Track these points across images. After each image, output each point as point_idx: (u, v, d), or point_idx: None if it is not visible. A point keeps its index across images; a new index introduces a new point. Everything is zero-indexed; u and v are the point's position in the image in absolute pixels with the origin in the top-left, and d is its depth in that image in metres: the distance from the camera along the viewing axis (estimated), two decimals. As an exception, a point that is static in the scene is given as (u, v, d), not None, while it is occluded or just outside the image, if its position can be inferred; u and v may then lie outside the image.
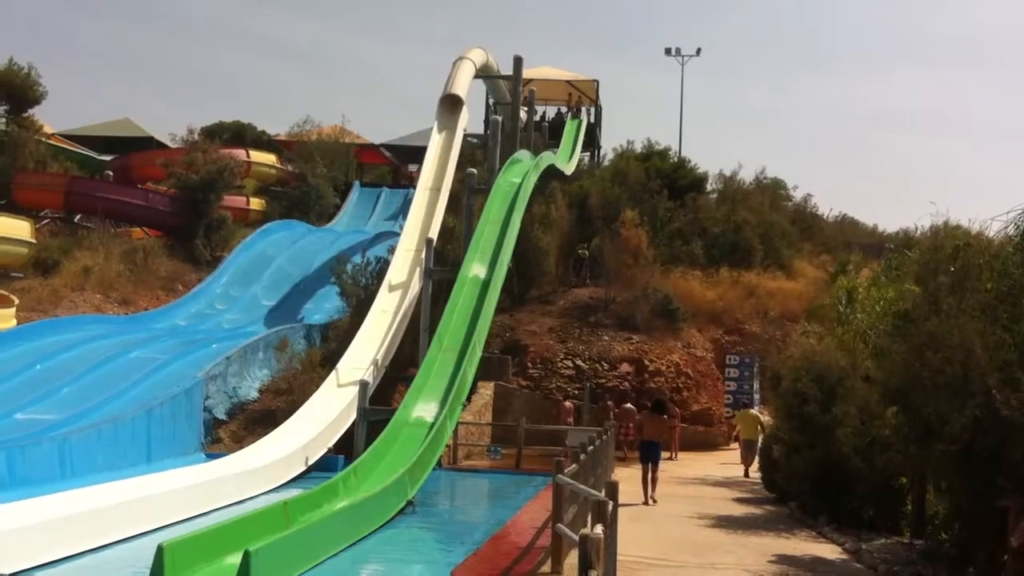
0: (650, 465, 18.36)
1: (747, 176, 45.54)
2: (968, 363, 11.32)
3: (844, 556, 13.39)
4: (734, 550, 13.27)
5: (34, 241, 28.26)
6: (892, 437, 15.57)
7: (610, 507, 9.02)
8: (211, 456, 20.07)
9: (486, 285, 24.98)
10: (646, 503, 17.71)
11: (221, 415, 22.25)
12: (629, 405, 26.68)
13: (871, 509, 15.89)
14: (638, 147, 43.75)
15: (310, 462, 19.29)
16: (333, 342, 26.00)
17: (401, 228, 30.86)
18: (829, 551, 13.70)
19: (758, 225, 39.36)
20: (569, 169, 38.54)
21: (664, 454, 25.40)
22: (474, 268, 25.62)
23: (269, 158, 44.19)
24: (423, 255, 26.01)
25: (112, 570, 11.46)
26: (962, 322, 11.66)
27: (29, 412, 19.56)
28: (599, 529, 7.97)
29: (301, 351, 25.59)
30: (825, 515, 16.03)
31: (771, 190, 46.00)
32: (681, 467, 24.36)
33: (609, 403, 27.34)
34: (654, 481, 18.33)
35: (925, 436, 14.28)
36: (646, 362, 30.01)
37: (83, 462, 17.39)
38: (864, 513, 15.86)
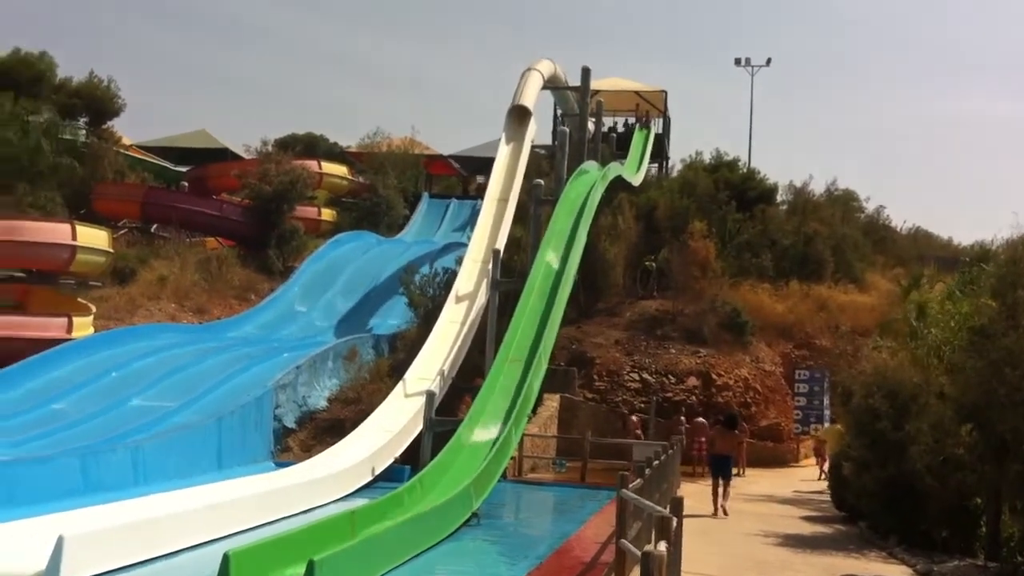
0: (721, 479, 18.76)
1: (818, 188, 44.97)
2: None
3: (915, 578, 13.12)
4: (801, 569, 13.06)
5: (111, 250, 28.87)
6: (966, 456, 15.25)
7: (674, 523, 8.95)
8: (280, 464, 20.33)
9: (552, 296, 24.96)
10: (715, 515, 18.05)
11: (290, 424, 22.51)
12: (701, 419, 26.47)
13: (944, 530, 15.53)
14: (706, 158, 43.37)
15: (377, 472, 19.41)
16: (401, 352, 26.18)
17: (469, 239, 30.98)
18: (899, 573, 13.42)
19: (829, 237, 38.74)
20: (637, 180, 38.38)
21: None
22: (540, 279, 25.63)
23: (340, 170, 44.69)
24: (490, 266, 26.06)
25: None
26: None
27: (102, 419, 19.99)
28: (663, 546, 7.89)
29: (369, 361, 25.82)
30: (896, 535, 15.70)
31: (842, 202, 45.31)
32: (749, 483, 24.04)
33: (681, 418, 27.10)
34: (726, 494, 18.70)
35: (1001, 455, 13.97)
36: (713, 376, 29.72)
37: (155, 469, 17.71)
38: (936, 534, 15.50)
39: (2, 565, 11.00)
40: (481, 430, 20.19)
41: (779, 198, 43.11)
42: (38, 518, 12.89)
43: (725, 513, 18.18)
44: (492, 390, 21.67)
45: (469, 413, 20.66)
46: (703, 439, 24.78)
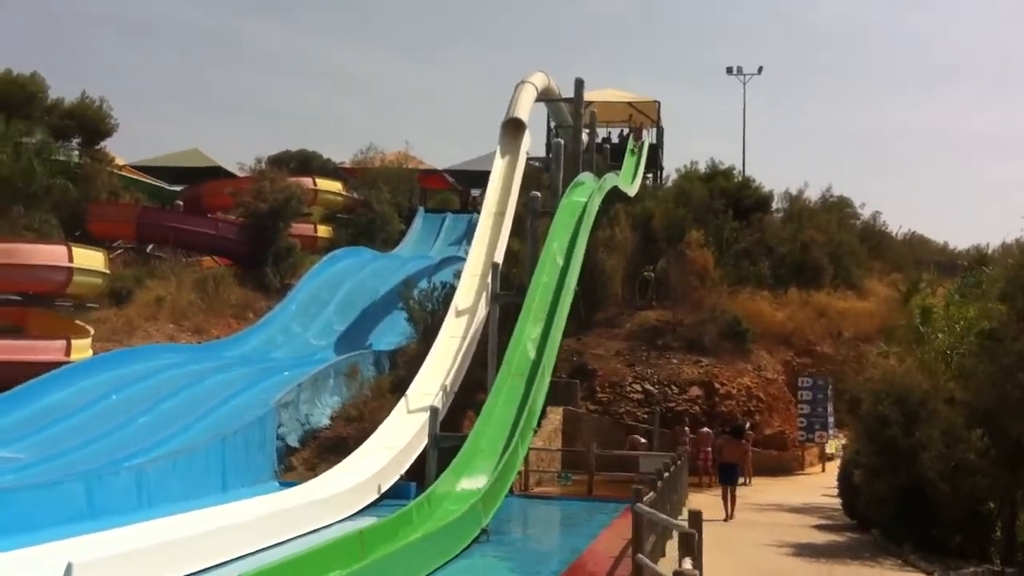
0: (729, 486, 19.87)
1: (813, 195, 44.95)
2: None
3: (933, 586, 12.98)
4: (818, 580, 12.94)
5: (108, 271, 28.63)
6: (978, 461, 15.18)
7: (696, 538, 8.84)
8: (285, 484, 20.15)
9: (553, 309, 24.86)
10: (726, 519, 18.87)
11: (294, 443, 22.34)
12: (707, 429, 26.40)
13: (958, 535, 15.44)
14: (701, 167, 43.35)
15: (383, 489, 19.25)
16: (402, 368, 26.02)
17: (466, 253, 30.86)
18: (917, 580, 13.30)
19: (826, 244, 38.73)
20: (632, 191, 38.33)
21: (738, 479, 25.24)
22: (540, 292, 25.52)
23: (335, 186, 44.52)
24: (489, 279, 25.94)
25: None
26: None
27: (104, 443, 19.79)
28: (688, 563, 7.78)
29: (371, 378, 25.66)
30: (910, 542, 15.58)
31: (838, 208, 45.30)
32: (756, 492, 23.91)
33: (685, 428, 26.97)
34: (733, 500, 19.69)
35: (1015, 459, 13.90)
36: (716, 385, 29.62)
37: (159, 491, 17.55)
38: (951, 540, 15.41)
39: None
40: (487, 445, 20.05)
41: (775, 206, 43.12)
42: (44, 545, 12.70)
43: (731, 517, 19.14)
44: (496, 404, 21.55)
45: (474, 428, 20.52)
46: (709, 448, 24.69)
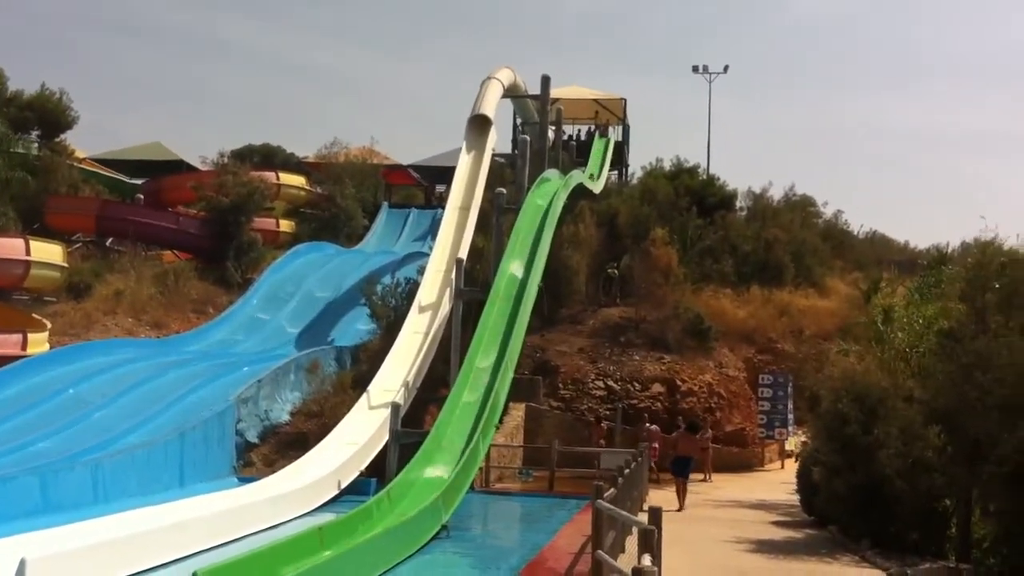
0: (681, 479, 21.06)
1: (776, 193, 45.24)
2: (1020, 383, 11.05)
3: (889, 582, 13.08)
4: None
5: (66, 265, 28.32)
6: (936, 458, 15.33)
7: (656, 535, 8.84)
8: (244, 480, 19.97)
9: (517, 305, 24.82)
10: (679, 510, 19.84)
11: (253, 438, 22.15)
12: (654, 426, 26.46)
13: (915, 532, 15.59)
14: (667, 165, 43.49)
15: (343, 485, 19.14)
16: (364, 364, 25.88)
17: (430, 248, 30.75)
18: (874, 576, 13.40)
19: (789, 243, 38.98)
20: (598, 188, 38.40)
21: (697, 476, 25.39)
22: (504, 288, 25.49)
23: (298, 180, 44.24)
24: (453, 275, 25.87)
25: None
26: (1012, 340, 11.39)
27: (60, 437, 19.53)
28: (647, 560, 7.78)
29: (332, 373, 25.48)
30: (868, 539, 15.70)
31: (801, 207, 45.60)
32: (716, 489, 24.05)
33: (647, 425, 27.00)
34: (684, 492, 20.92)
35: (972, 457, 14.05)
36: (678, 382, 29.71)
37: (116, 487, 17.35)
38: (908, 537, 15.54)
39: (-39, 590, 10.68)
40: (448, 441, 19.98)
41: (739, 204, 43.35)
42: (-2, 540, 12.51)
43: (683, 508, 20.19)
44: (458, 400, 21.48)
45: (435, 424, 20.44)
46: (655, 444, 24.86)
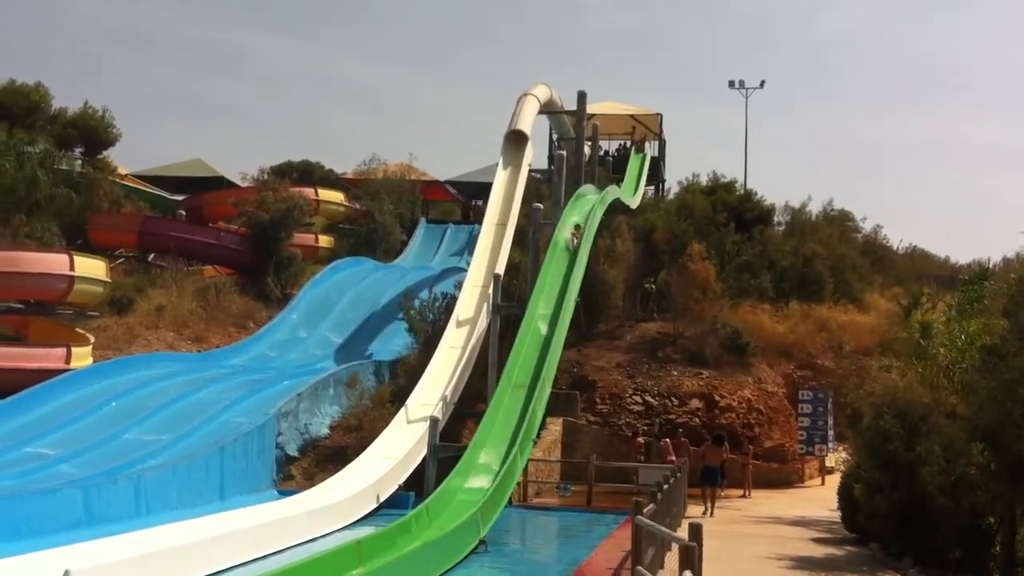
0: (709, 488, 22.61)
1: (815, 208, 44.99)
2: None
3: (932, 600, 12.92)
4: (817, 593, 12.89)
5: (109, 280, 28.63)
6: (979, 475, 15.12)
7: (697, 552, 8.82)
8: (283, 493, 20.11)
9: (554, 320, 24.84)
10: (704, 514, 21.19)
11: (293, 452, 22.31)
12: (664, 440, 26.56)
13: (958, 550, 15.36)
14: (703, 180, 43.40)
15: (381, 499, 19.22)
16: (402, 378, 26.00)
17: (467, 264, 30.87)
18: (916, 594, 13.23)
19: (828, 257, 38.71)
20: (634, 203, 38.36)
21: (736, 492, 25.25)
22: (542, 304, 25.51)
23: (337, 196, 44.61)
24: (490, 291, 25.95)
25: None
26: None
27: (102, 450, 19.78)
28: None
29: (371, 387, 25.62)
30: (910, 556, 15.52)
31: (839, 222, 45.31)
32: (756, 505, 23.88)
33: (639, 439, 27.09)
34: (713, 499, 22.44)
35: (1016, 474, 13.85)
36: (716, 397, 29.55)
37: (158, 499, 17.53)
38: (951, 554, 15.33)
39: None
40: (486, 455, 20.03)
41: (777, 219, 43.14)
42: (42, 552, 12.67)
43: (712, 515, 21.44)
44: (496, 415, 21.52)
45: (473, 439, 20.49)
46: (671, 458, 24.89)
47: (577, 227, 22.67)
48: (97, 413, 21.80)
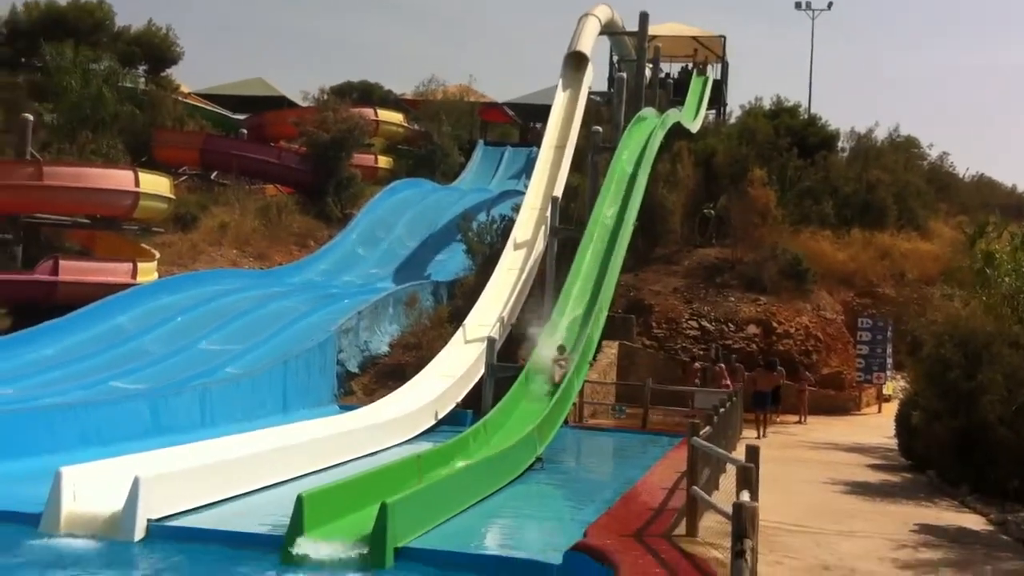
0: (760, 412, 22.66)
1: (880, 134, 44.12)
2: None
3: (990, 528, 12.87)
4: (872, 518, 12.90)
5: (173, 197, 29.10)
6: (1041, 406, 14.95)
7: (754, 472, 8.89)
8: (344, 408, 20.54)
9: (612, 244, 24.82)
10: (758, 437, 20.99)
11: (353, 368, 22.73)
12: (719, 365, 26.42)
13: (1016, 480, 15.24)
14: (766, 104, 42.64)
15: (440, 416, 19.55)
16: (460, 299, 26.25)
17: (525, 187, 30.83)
18: (973, 522, 13.20)
19: (892, 184, 38.03)
20: (695, 127, 37.87)
21: (791, 418, 25.26)
22: (599, 227, 25.47)
23: (396, 117, 44.66)
24: (548, 213, 25.95)
25: (252, 518, 11.74)
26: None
27: (168, 363, 20.28)
28: (746, 496, 7.83)
29: (429, 307, 25.93)
30: (967, 485, 15.46)
31: (905, 149, 44.44)
32: (811, 431, 23.86)
33: (695, 365, 27.00)
34: (766, 423, 22.55)
35: (1079, 405, 13.68)
36: (774, 324, 29.37)
37: (222, 411, 17.99)
38: (1009, 484, 15.22)
39: (81, 504, 11.20)
40: (543, 375, 20.20)
41: (840, 145, 42.42)
42: (113, 459, 13.09)
43: (764, 436, 21.49)
44: (552, 336, 21.66)
45: (530, 359, 20.66)
46: (726, 382, 24.82)
47: (561, 349, 20.83)
48: (163, 327, 22.30)
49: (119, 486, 11.17)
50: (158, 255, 27.02)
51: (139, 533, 10.90)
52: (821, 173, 37.39)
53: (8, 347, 20.29)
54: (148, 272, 25.91)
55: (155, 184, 27.74)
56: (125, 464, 12.49)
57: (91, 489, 11.47)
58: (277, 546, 10.39)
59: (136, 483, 11.01)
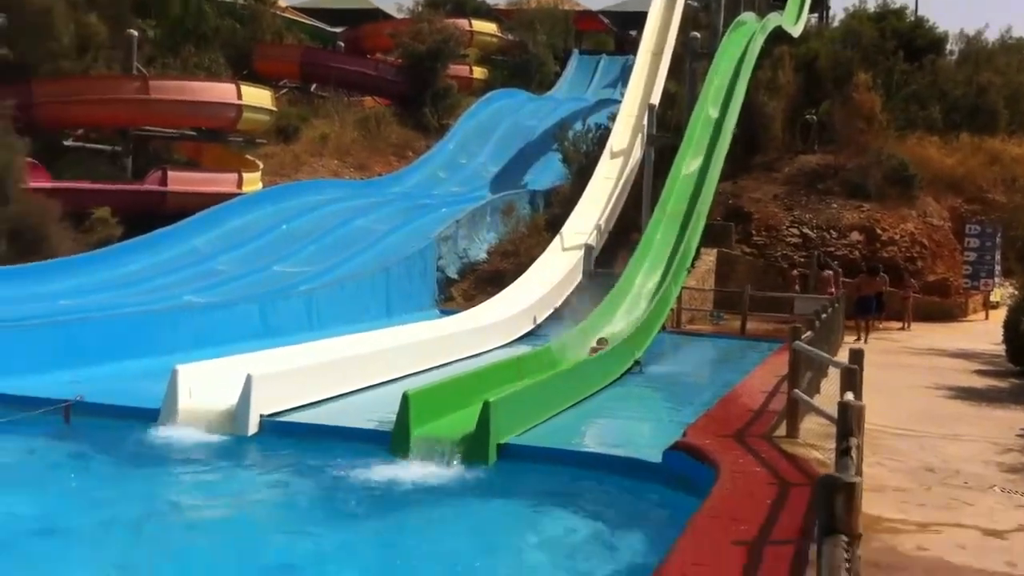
0: (863, 318, 22.57)
1: (991, 36, 42.32)
2: None
3: (1099, 432, 12.65)
4: (977, 423, 12.76)
5: (275, 109, 29.56)
6: None
7: (858, 374, 8.87)
8: (444, 312, 20.93)
9: (710, 151, 24.52)
10: (857, 341, 20.71)
11: (453, 274, 23.11)
12: (827, 272, 26.05)
13: None
14: (871, 6, 41.19)
15: (538, 321, 19.80)
16: (556, 207, 26.32)
17: (621, 95, 30.53)
18: (1082, 426, 12.98)
19: (1003, 87, 36.55)
20: (796, 31, 36.82)
21: (895, 324, 24.89)
22: (697, 134, 25.15)
23: (490, 27, 44.39)
24: (644, 121, 25.72)
25: (358, 415, 12.12)
26: None
27: (282, 266, 20.89)
28: (850, 396, 7.84)
29: (526, 216, 26.09)
30: (1076, 390, 15.18)
31: (1017, 50, 42.54)
32: (915, 337, 23.51)
33: (794, 272, 26.61)
34: (867, 329, 22.46)
35: None
36: (878, 231, 28.77)
37: (328, 315, 18.52)
38: (1121, 390, 14.92)
39: (196, 400, 11.70)
40: (640, 282, 20.27)
41: (949, 48, 40.81)
42: (226, 358, 13.62)
43: (865, 342, 20.95)
44: (650, 244, 21.67)
45: (628, 264, 20.70)
46: (831, 290, 24.49)
47: (602, 341, 17.74)
48: (270, 235, 22.90)
49: (232, 384, 11.60)
50: (262, 166, 27.60)
51: (252, 428, 11.33)
52: (929, 77, 36.12)
53: (130, 252, 20.86)
54: (253, 182, 26.51)
55: (257, 97, 28.19)
56: (237, 363, 12.94)
57: (205, 386, 11.94)
58: (384, 441, 10.66)
59: (249, 380, 11.41)
